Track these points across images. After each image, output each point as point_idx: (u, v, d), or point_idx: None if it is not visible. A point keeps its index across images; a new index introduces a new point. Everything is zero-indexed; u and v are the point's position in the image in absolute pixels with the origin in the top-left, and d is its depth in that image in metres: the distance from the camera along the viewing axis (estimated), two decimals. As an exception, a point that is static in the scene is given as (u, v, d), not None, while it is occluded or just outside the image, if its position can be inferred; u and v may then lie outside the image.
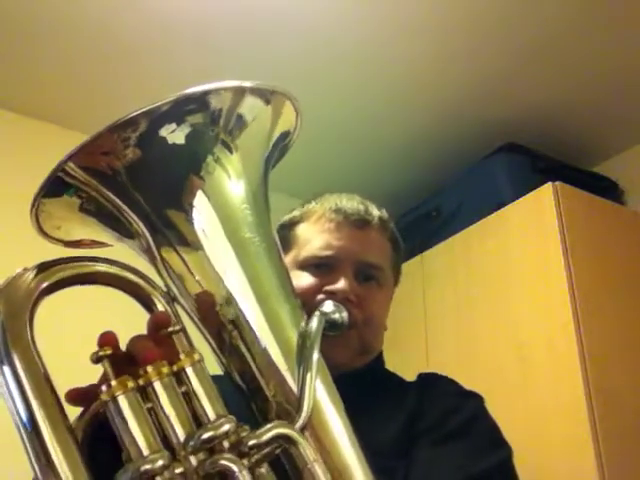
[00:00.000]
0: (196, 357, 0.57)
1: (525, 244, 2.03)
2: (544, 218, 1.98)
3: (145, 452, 0.52)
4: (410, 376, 0.99)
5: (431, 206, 2.50)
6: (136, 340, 0.60)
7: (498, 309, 2.04)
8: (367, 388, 0.89)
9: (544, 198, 2.01)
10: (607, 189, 2.36)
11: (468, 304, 2.15)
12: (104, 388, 0.54)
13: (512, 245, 2.07)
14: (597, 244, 2.01)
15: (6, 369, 0.55)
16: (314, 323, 0.62)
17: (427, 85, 2.22)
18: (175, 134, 0.58)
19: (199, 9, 1.90)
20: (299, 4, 1.89)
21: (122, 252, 0.66)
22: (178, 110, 0.59)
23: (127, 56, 2.07)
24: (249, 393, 0.61)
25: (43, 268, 0.60)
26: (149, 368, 0.55)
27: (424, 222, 2.50)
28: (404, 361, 2.31)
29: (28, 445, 0.53)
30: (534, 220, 2.03)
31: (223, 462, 0.52)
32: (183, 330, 0.60)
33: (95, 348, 0.56)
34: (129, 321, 0.64)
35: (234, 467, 0.51)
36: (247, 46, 2.03)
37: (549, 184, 2.02)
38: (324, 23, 1.96)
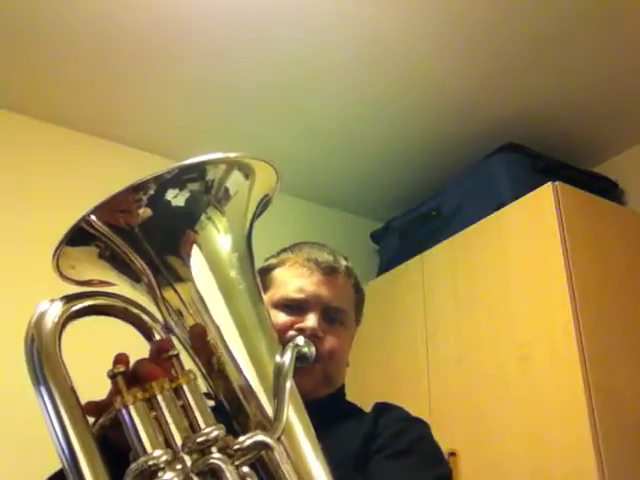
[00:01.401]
0: (191, 376, 0.69)
1: (525, 244, 2.03)
2: (544, 218, 1.98)
3: (150, 450, 0.63)
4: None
5: (431, 206, 2.50)
6: (142, 361, 0.70)
7: (498, 309, 2.04)
8: (329, 414, 0.98)
9: (544, 198, 2.01)
10: (607, 189, 2.36)
11: (468, 304, 2.15)
12: (118, 398, 0.65)
13: (512, 245, 2.07)
14: (597, 244, 2.01)
15: (42, 387, 0.66)
16: (288, 354, 0.73)
17: (427, 85, 2.22)
18: (177, 198, 0.70)
19: (200, 10, 1.90)
20: (301, 6, 1.89)
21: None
22: (180, 178, 0.71)
23: (127, 57, 2.07)
24: (232, 412, 0.72)
25: (68, 300, 0.71)
26: (153, 384, 0.66)
27: (424, 222, 2.50)
28: (404, 361, 2.33)
29: (60, 451, 0.64)
30: (534, 220, 2.03)
31: (214, 461, 0.62)
32: (178, 355, 0.70)
33: (105, 368, 0.67)
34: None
35: (223, 465, 0.62)
36: (248, 47, 2.03)
37: (549, 184, 2.02)
38: (325, 24, 1.96)
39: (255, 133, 2.36)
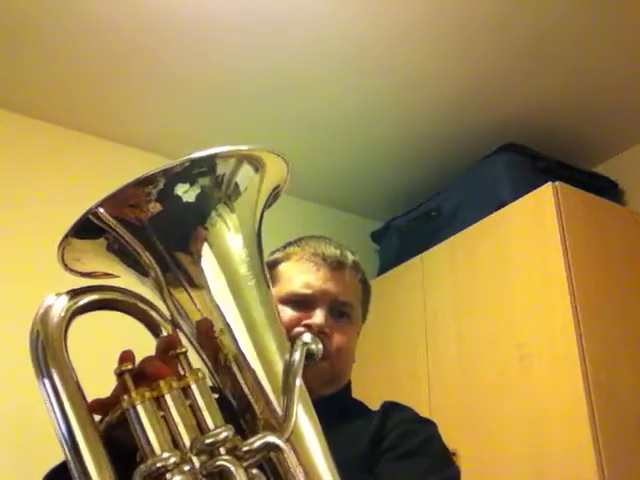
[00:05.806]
0: (200, 375, 0.68)
1: (525, 244, 2.03)
2: (544, 218, 1.98)
3: (158, 452, 0.62)
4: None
5: (431, 206, 2.50)
6: (149, 359, 0.69)
7: (498, 309, 2.04)
8: (336, 413, 0.98)
9: (544, 198, 2.01)
10: (607, 189, 2.37)
11: (468, 304, 2.15)
12: (126, 397, 0.64)
13: (512, 245, 2.07)
14: (597, 244, 2.01)
15: (47, 382, 0.65)
16: (297, 353, 0.72)
17: (427, 85, 2.22)
18: (188, 194, 0.69)
19: (200, 13, 1.90)
20: (299, 5, 1.89)
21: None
22: (190, 172, 0.69)
23: (126, 57, 2.07)
24: (240, 410, 0.71)
25: (74, 294, 0.70)
26: (161, 382, 0.65)
27: (424, 222, 2.50)
28: (405, 362, 2.32)
29: (64, 448, 0.63)
30: (534, 220, 2.03)
31: (222, 462, 0.61)
32: (186, 353, 0.69)
33: (111, 364, 0.66)
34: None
35: (231, 467, 0.61)
36: (248, 49, 2.03)
37: (549, 184, 2.02)
38: (325, 25, 1.96)
39: (255, 133, 2.36)
